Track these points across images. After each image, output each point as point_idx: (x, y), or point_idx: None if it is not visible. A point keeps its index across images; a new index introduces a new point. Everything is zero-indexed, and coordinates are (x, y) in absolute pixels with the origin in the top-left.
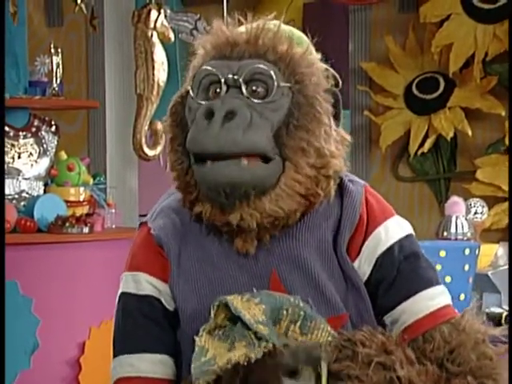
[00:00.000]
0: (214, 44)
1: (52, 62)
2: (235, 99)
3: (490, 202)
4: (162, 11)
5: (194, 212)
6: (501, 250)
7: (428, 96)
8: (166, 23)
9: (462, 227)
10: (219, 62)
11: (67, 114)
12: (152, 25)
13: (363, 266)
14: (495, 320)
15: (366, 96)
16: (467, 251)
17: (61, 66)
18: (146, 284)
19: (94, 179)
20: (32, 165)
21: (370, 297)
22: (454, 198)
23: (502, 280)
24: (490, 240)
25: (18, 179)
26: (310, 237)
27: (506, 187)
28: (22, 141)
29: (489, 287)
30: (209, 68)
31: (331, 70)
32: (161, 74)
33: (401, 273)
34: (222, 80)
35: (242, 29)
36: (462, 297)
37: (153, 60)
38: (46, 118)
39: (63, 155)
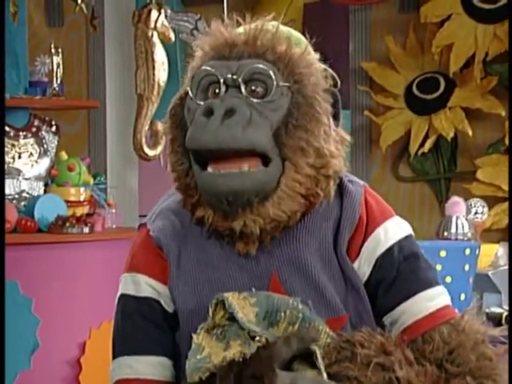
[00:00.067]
0: (212, 45)
1: (52, 62)
2: (235, 98)
3: (491, 202)
4: (163, 11)
5: (196, 216)
6: (501, 250)
7: (428, 96)
8: (166, 23)
9: (463, 227)
10: (218, 62)
11: (67, 114)
12: (152, 25)
13: (363, 266)
14: (495, 320)
15: (366, 96)
16: (467, 251)
17: (61, 66)
18: (145, 286)
19: (95, 179)
20: (32, 165)
21: (370, 298)
22: (455, 198)
23: (502, 280)
24: (491, 240)
25: (18, 179)
26: (311, 238)
27: (506, 187)
28: (22, 141)
29: (489, 287)
30: (208, 68)
31: (330, 70)
32: (161, 74)
33: (400, 273)
34: (221, 80)
35: (241, 30)
36: (463, 297)
37: (153, 60)
38: (47, 118)
39: (63, 155)
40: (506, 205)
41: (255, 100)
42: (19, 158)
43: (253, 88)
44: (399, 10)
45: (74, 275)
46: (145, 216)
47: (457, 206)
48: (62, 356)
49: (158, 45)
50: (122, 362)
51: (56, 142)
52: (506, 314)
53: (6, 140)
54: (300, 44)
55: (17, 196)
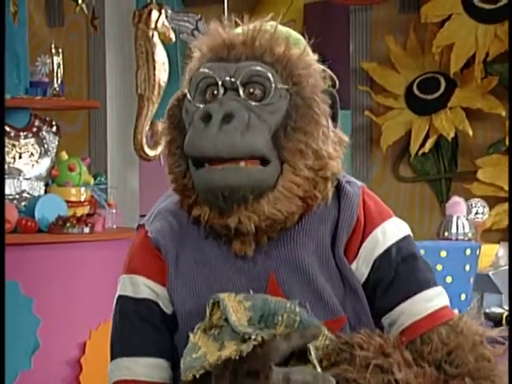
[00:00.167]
0: (210, 46)
1: (53, 62)
2: (233, 101)
3: (491, 202)
4: (163, 11)
5: (193, 215)
6: (501, 250)
7: (429, 96)
8: (166, 23)
9: (463, 227)
10: (216, 64)
11: (68, 114)
12: (153, 25)
13: (361, 267)
14: (496, 320)
15: (366, 96)
16: (468, 251)
17: (62, 67)
18: (143, 287)
19: (95, 179)
20: (33, 165)
21: (368, 299)
22: (455, 198)
23: (502, 280)
24: (491, 240)
25: (18, 179)
26: (308, 239)
27: (506, 187)
28: (22, 141)
29: (490, 287)
30: (206, 71)
31: (328, 71)
32: (162, 74)
33: (398, 274)
34: (219, 83)
35: (239, 30)
36: (463, 297)
37: (154, 60)
38: (47, 118)
39: (64, 155)
40: (506, 205)
41: (253, 103)
42: (20, 158)
43: (251, 90)
44: (400, 10)
45: (75, 275)
46: (145, 216)
47: (457, 206)
48: (63, 356)
49: (158, 45)
50: (119, 364)
51: (56, 142)
52: (506, 314)
53: (7, 140)
54: (298, 44)
55: (17, 196)
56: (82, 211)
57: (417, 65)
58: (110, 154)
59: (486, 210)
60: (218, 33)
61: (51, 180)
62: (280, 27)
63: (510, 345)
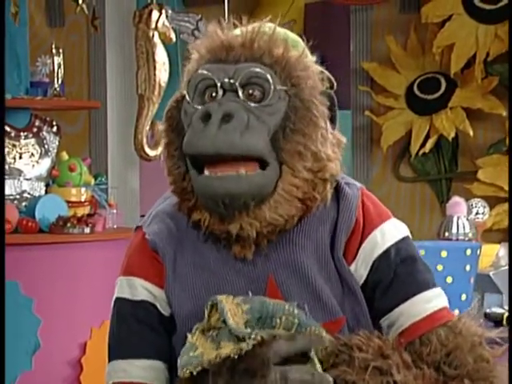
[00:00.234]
0: (208, 48)
1: (53, 63)
2: (232, 102)
3: (492, 202)
4: (164, 11)
5: (192, 219)
6: (502, 250)
7: (429, 96)
8: (167, 23)
9: (464, 227)
10: (215, 65)
11: (68, 115)
12: (153, 25)
13: (360, 269)
14: (496, 320)
15: (367, 96)
16: (469, 251)
17: (62, 67)
18: (141, 289)
19: (96, 179)
20: (33, 165)
21: (367, 300)
22: (456, 199)
23: (503, 280)
24: (492, 240)
25: (19, 180)
26: (307, 241)
27: (507, 187)
28: (23, 141)
29: (490, 287)
30: (204, 72)
31: (326, 73)
32: (162, 74)
33: (397, 276)
34: (218, 84)
35: (237, 32)
36: (464, 297)
37: (154, 60)
38: (48, 119)
39: (64, 156)
40: (506, 205)
41: (252, 104)
42: (20, 158)
43: (250, 92)
44: (400, 11)
45: (75, 275)
46: (145, 216)
47: (458, 206)
48: (63, 356)
49: (158, 45)
50: (116, 366)
51: (57, 143)
52: (506, 314)
53: (7, 140)
54: (297, 46)
55: (18, 196)
56: (82, 211)
57: (417, 65)
58: (111, 154)
59: (487, 210)
60: (217, 34)
61: (52, 180)
62: (278, 29)
63: (510, 345)
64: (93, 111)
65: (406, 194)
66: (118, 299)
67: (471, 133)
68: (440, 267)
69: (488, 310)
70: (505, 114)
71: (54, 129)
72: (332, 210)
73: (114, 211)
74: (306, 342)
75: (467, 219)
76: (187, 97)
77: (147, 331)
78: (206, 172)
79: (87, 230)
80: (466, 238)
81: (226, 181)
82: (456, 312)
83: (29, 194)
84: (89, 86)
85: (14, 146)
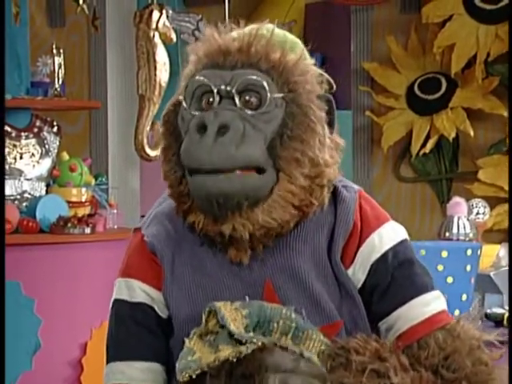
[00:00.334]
0: (206, 52)
1: (54, 63)
2: (228, 111)
3: (492, 202)
4: (164, 12)
5: (188, 222)
6: (503, 250)
7: (430, 96)
8: (167, 24)
9: (464, 228)
10: (211, 71)
11: (69, 115)
12: (154, 25)
13: (357, 272)
14: (497, 321)
15: (367, 96)
16: (469, 252)
17: (63, 67)
18: (139, 291)
19: (96, 180)
20: (34, 165)
21: (365, 303)
22: (456, 199)
23: (503, 281)
24: (492, 240)
25: (20, 180)
26: (304, 246)
27: (507, 188)
28: (23, 141)
29: (491, 288)
30: (201, 78)
31: (325, 75)
32: (163, 74)
33: (395, 279)
34: (215, 91)
35: (235, 35)
36: (464, 297)
37: (155, 60)
38: (48, 119)
39: (65, 156)
40: (507, 205)
41: (249, 112)
42: (21, 158)
43: (247, 98)
44: (401, 11)
45: (76, 276)
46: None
47: (458, 206)
48: (64, 356)
49: (159, 45)
50: (114, 368)
51: (57, 143)
52: (507, 314)
53: (8, 140)
54: (295, 49)
55: (18, 196)
56: (83, 211)
57: (418, 65)
58: (111, 155)
59: (487, 210)
60: (214, 38)
61: (52, 180)
62: (277, 31)
63: (510, 345)
64: (93, 111)
65: (406, 194)
66: (116, 301)
67: (472, 133)
68: (440, 267)
69: (488, 311)
70: (505, 114)
71: (55, 129)
72: (329, 213)
73: (115, 211)
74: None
75: (468, 219)
76: (184, 103)
77: (145, 333)
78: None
79: (88, 230)
80: (467, 239)
81: (220, 180)
82: (456, 312)
83: (29, 194)
84: (89, 86)
85: (14, 146)
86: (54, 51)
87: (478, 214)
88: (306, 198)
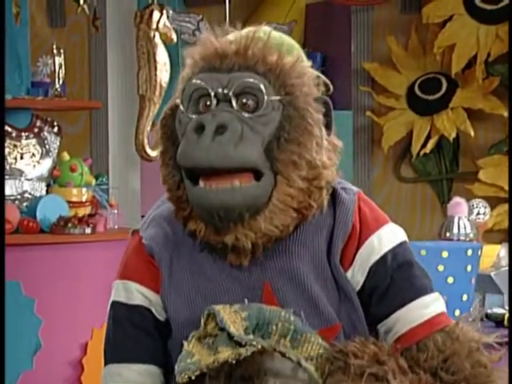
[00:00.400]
0: (202, 55)
1: (54, 63)
2: (226, 113)
3: (493, 202)
4: (165, 12)
5: (188, 229)
6: (503, 250)
7: (430, 96)
8: (168, 24)
9: (465, 228)
10: (208, 75)
11: (70, 115)
12: (154, 25)
13: (356, 274)
14: (497, 321)
15: (368, 96)
16: (470, 252)
17: (63, 67)
18: (136, 294)
19: (97, 180)
20: (34, 165)
21: (364, 306)
22: (457, 199)
23: (504, 281)
24: (493, 241)
25: (20, 180)
26: (304, 249)
27: (508, 188)
28: (24, 141)
29: (491, 288)
30: (198, 82)
31: (322, 77)
32: (163, 74)
33: (394, 281)
34: (212, 94)
35: (231, 37)
36: (465, 297)
37: (155, 61)
38: (49, 119)
39: (66, 156)
40: (507, 205)
41: (246, 114)
42: (21, 158)
43: (244, 101)
44: (401, 11)
45: (76, 276)
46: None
47: (459, 206)
48: (65, 356)
49: (159, 45)
50: (111, 370)
51: (58, 143)
52: (508, 314)
53: (8, 141)
54: (292, 52)
55: (19, 197)
56: (83, 212)
57: (418, 65)
58: (112, 155)
59: (488, 210)
60: (210, 41)
61: (53, 180)
62: (273, 33)
63: (510, 345)
64: (94, 111)
65: (407, 194)
66: (113, 303)
67: (472, 133)
68: (441, 268)
69: (489, 311)
70: (506, 114)
71: (55, 129)
72: (328, 216)
73: (115, 211)
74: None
75: (468, 220)
76: (181, 107)
77: (143, 335)
78: (201, 184)
79: (88, 231)
80: (467, 239)
81: (221, 193)
82: (457, 313)
83: (30, 194)
84: (90, 86)
85: (15, 146)
86: (55, 51)
87: (478, 214)
88: (305, 201)
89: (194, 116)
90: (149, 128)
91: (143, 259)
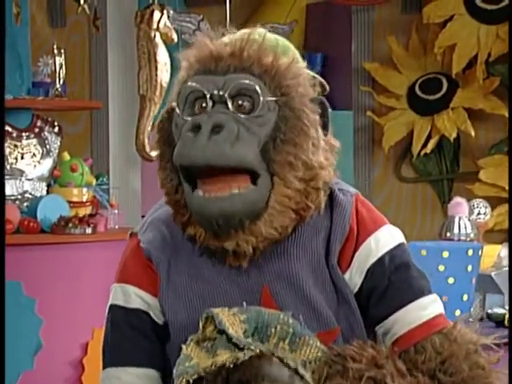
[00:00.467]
0: (197, 57)
1: (55, 63)
2: (222, 114)
3: (493, 202)
4: (165, 12)
5: (187, 233)
6: (504, 250)
7: (431, 96)
8: (168, 24)
9: (465, 228)
10: (204, 77)
11: (70, 115)
12: (155, 25)
13: (354, 276)
14: (498, 321)
15: (368, 96)
16: (470, 252)
17: (64, 67)
18: (134, 297)
19: (97, 180)
20: (35, 165)
21: (362, 308)
22: (457, 199)
23: (504, 281)
24: (493, 241)
25: (21, 180)
26: (302, 251)
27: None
28: (25, 141)
29: (492, 288)
30: (193, 84)
31: (318, 78)
32: (164, 74)
33: (392, 283)
34: (208, 96)
35: (226, 39)
36: (465, 297)
37: (156, 61)
38: (49, 119)
39: (66, 156)
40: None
41: (242, 115)
42: (22, 158)
43: (240, 102)
44: (402, 11)
45: (77, 276)
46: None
47: (459, 206)
48: (65, 356)
49: (160, 45)
50: (110, 373)
51: (59, 143)
52: (508, 314)
53: (9, 141)
54: (287, 53)
55: (19, 197)
56: (84, 212)
57: (419, 65)
58: (112, 155)
59: (488, 210)
60: (205, 44)
61: (53, 180)
62: (268, 35)
63: (510, 344)
64: (94, 111)
65: (407, 194)
66: (112, 306)
67: (473, 133)
68: (442, 268)
69: (490, 311)
70: (506, 114)
71: (56, 129)
72: (326, 218)
73: (116, 211)
74: None
75: (469, 220)
76: (177, 110)
77: (141, 339)
78: (200, 191)
79: (89, 231)
80: (468, 239)
81: (220, 202)
82: (457, 313)
83: (30, 194)
84: (90, 86)
85: (15, 146)
86: (55, 51)
87: (479, 214)
88: (302, 201)
89: (189, 118)
90: (149, 128)
91: (141, 263)
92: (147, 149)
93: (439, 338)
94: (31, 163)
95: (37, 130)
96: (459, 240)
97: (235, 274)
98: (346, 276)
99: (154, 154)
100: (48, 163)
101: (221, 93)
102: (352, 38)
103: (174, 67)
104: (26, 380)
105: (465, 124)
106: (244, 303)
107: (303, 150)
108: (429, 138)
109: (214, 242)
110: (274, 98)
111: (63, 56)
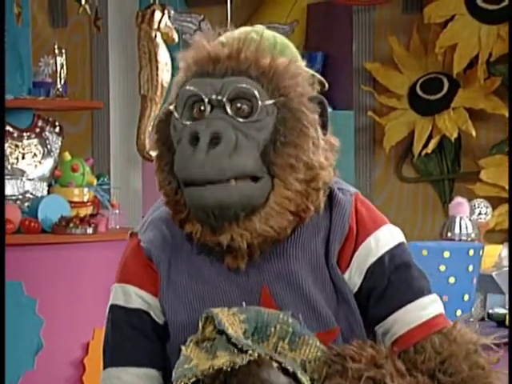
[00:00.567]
0: (195, 59)
1: (56, 63)
2: (220, 120)
3: (494, 202)
4: (166, 12)
5: (185, 231)
6: (505, 250)
7: (432, 96)
8: (169, 24)
9: (466, 228)
10: (202, 80)
11: (71, 115)
12: (156, 25)
13: (354, 276)
14: (499, 321)
15: (369, 96)
16: (471, 252)
17: (65, 67)
18: (135, 297)
19: (98, 180)
20: (36, 165)
21: (361, 307)
22: (458, 199)
23: (505, 281)
24: (494, 241)
25: (22, 180)
26: (301, 251)
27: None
28: (26, 141)
29: (493, 288)
30: (192, 88)
31: (317, 76)
32: (165, 74)
33: (392, 283)
34: (206, 100)
35: (223, 39)
36: (466, 297)
37: (157, 61)
38: (50, 119)
39: (67, 156)
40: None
41: (241, 120)
42: (23, 158)
43: (238, 105)
44: (403, 11)
45: (78, 276)
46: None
47: (460, 206)
48: (66, 356)
49: (161, 45)
50: (110, 373)
51: (59, 143)
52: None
53: (10, 141)
54: (285, 51)
55: (20, 197)
56: (85, 212)
57: (420, 65)
58: (113, 155)
59: (489, 210)
60: (203, 45)
61: (54, 180)
62: (266, 33)
63: (510, 344)
64: (95, 111)
65: (408, 194)
66: (112, 306)
67: (474, 133)
68: (443, 267)
69: (491, 311)
70: (507, 114)
71: (57, 129)
72: (325, 217)
73: (117, 211)
74: None
75: (470, 220)
76: (176, 113)
77: (141, 339)
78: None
79: (90, 231)
80: (469, 239)
81: (216, 191)
82: (458, 312)
83: (31, 194)
84: (91, 86)
85: (16, 146)
86: (56, 51)
87: (480, 214)
88: (303, 203)
89: (188, 122)
90: (150, 128)
91: (141, 262)
92: (148, 149)
93: (439, 338)
94: (32, 163)
95: (38, 130)
96: (460, 240)
97: (235, 274)
98: (346, 276)
99: (154, 154)
100: (49, 163)
101: (219, 97)
102: (353, 37)
103: (175, 67)
104: (26, 380)
105: (466, 124)
106: (243, 303)
107: (304, 150)
108: (430, 137)
109: (211, 237)
110: (272, 101)
111: (64, 56)
